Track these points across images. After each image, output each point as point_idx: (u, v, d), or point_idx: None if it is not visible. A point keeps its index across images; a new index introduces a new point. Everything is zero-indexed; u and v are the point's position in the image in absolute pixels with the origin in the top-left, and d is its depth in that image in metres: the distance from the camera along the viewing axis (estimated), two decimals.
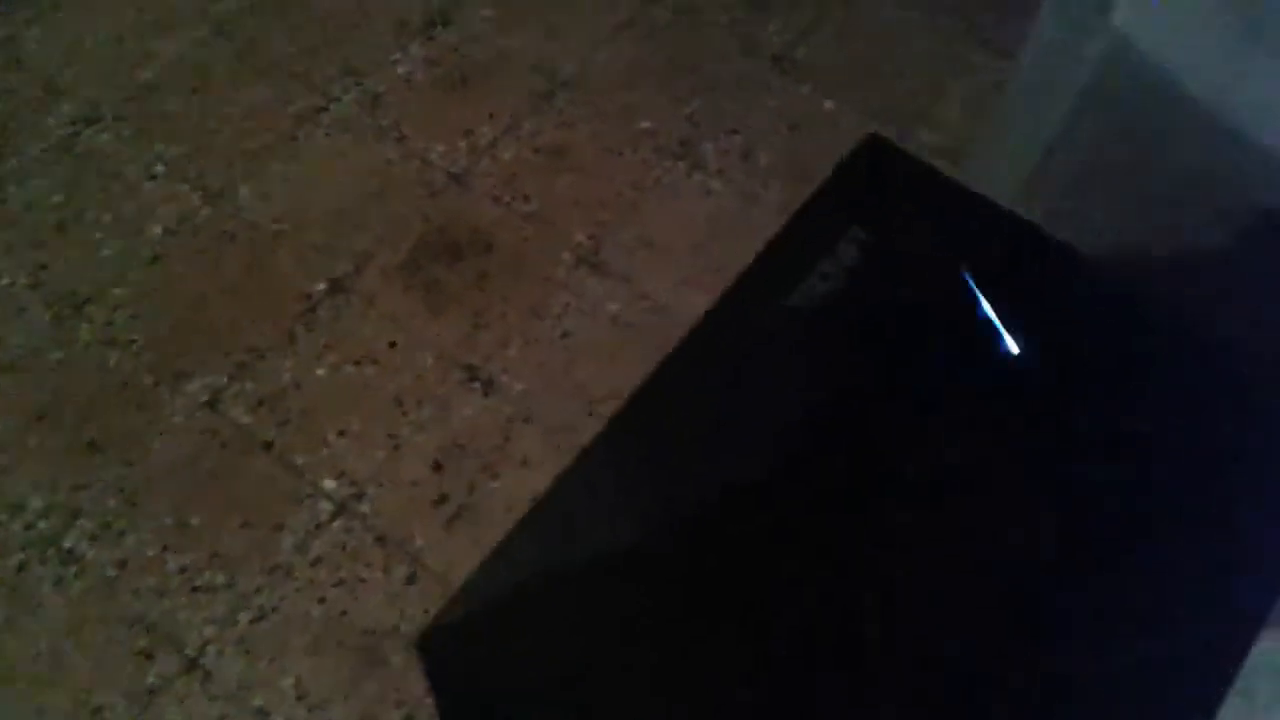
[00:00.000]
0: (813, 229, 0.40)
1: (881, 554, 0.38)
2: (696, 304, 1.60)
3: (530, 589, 0.45)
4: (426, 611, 1.40)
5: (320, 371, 1.57)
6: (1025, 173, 1.40)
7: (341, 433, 1.52)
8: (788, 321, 0.39)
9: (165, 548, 1.43)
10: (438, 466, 1.51)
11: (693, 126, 1.79)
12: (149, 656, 1.36)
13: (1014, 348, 0.38)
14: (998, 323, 0.38)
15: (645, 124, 1.79)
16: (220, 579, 1.41)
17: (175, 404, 1.53)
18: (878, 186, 0.42)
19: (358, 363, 1.58)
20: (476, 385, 1.56)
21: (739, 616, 0.38)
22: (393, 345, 1.59)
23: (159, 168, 1.74)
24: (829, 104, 1.82)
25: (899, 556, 0.39)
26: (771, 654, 0.38)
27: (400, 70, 1.85)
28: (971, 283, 0.39)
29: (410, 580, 1.43)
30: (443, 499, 1.49)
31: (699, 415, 0.42)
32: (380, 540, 1.45)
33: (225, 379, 1.55)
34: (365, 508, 1.47)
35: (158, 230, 1.68)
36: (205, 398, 1.54)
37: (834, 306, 0.39)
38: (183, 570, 1.41)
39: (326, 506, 1.47)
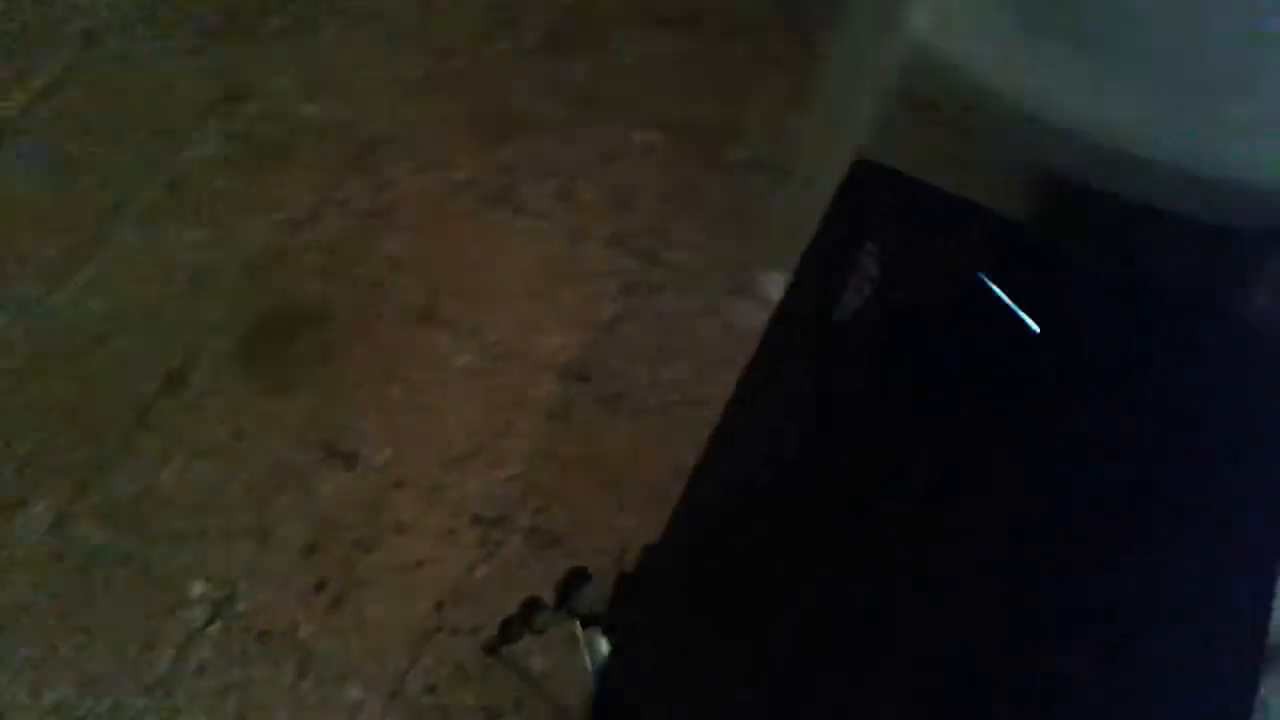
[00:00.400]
0: (832, 251, 0.42)
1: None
2: (544, 345, 1.63)
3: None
4: (325, 701, 1.36)
5: (167, 474, 1.50)
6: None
7: (202, 533, 1.46)
8: (838, 334, 0.41)
9: (35, 684, 1.33)
10: (310, 550, 1.47)
11: (509, 172, 1.80)
12: None
13: (1037, 335, 0.40)
14: (1022, 315, 0.41)
15: (462, 175, 1.79)
16: (100, 707, 1.33)
17: (17, 534, 1.43)
18: (879, 204, 0.44)
19: (206, 457, 1.52)
20: (337, 460, 1.53)
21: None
22: (240, 434, 1.54)
23: None
24: (639, 135, 1.86)
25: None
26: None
27: (202, 150, 1.79)
28: (989, 283, 0.41)
29: (302, 673, 1.38)
30: (321, 583, 1.44)
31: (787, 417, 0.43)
32: (263, 637, 1.40)
33: (67, 498, 1.47)
34: (241, 606, 1.42)
35: None
36: (50, 521, 1.45)
37: (872, 317, 0.41)
38: (58, 707, 1.32)
39: (199, 613, 1.41)
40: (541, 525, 1.51)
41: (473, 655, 1.41)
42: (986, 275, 0.41)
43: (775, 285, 1.67)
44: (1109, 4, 1.29)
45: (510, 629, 1.34)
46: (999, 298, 0.41)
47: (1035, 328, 0.41)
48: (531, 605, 1.34)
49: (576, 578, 0.85)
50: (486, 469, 1.54)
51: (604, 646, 0.81)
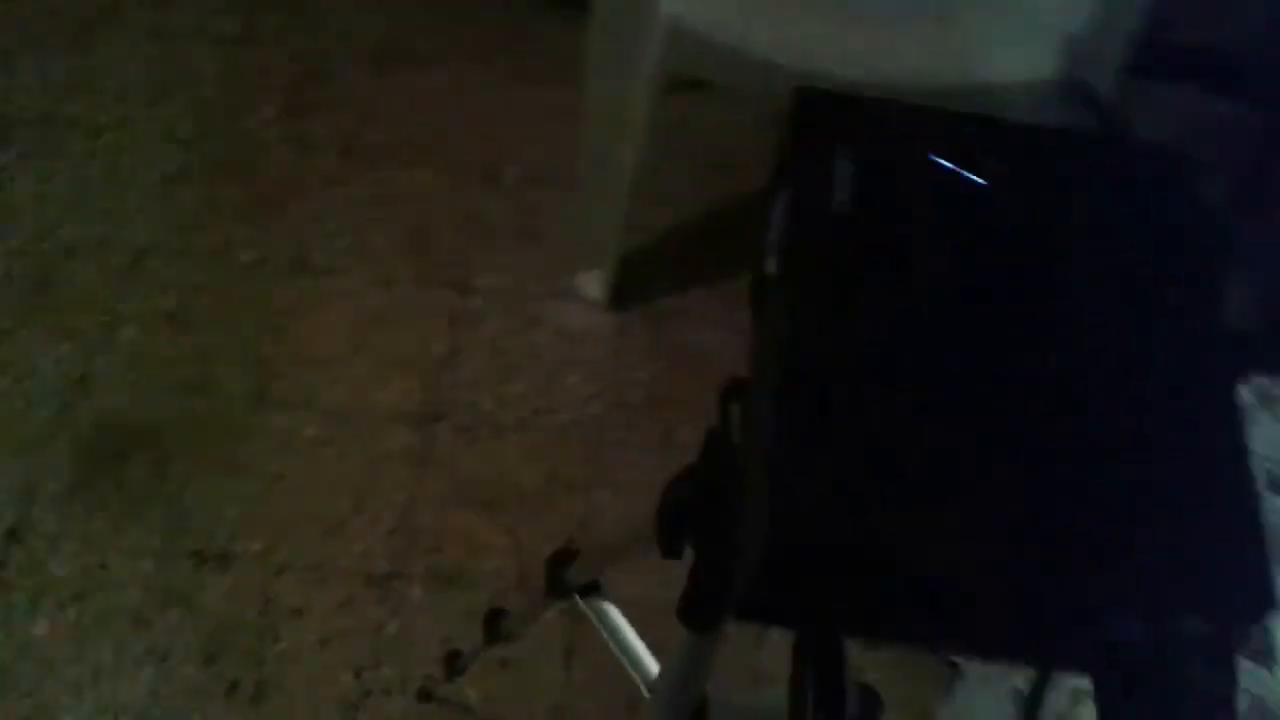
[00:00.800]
0: (811, 164, 0.47)
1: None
2: (385, 397, 1.63)
3: None
4: None
5: (40, 628, 1.43)
6: (630, 173, 1.55)
7: (96, 674, 1.39)
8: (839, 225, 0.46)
9: None
10: (211, 659, 1.43)
11: (297, 240, 1.79)
12: None
13: (989, 188, 0.48)
14: (972, 177, 0.48)
15: (249, 256, 1.77)
16: None
17: None
18: (832, 118, 0.50)
19: (77, 600, 1.45)
20: (212, 565, 1.49)
21: None
22: (104, 568, 1.48)
23: None
24: (411, 175, 1.88)
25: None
26: None
27: None
28: (939, 160, 0.48)
29: None
30: (234, 685, 1.41)
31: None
32: None
33: None
34: None
35: None
36: None
37: (865, 207, 0.47)
38: None
39: None
40: (435, 567, 1.52)
41: (409, 708, 1.41)
42: (936, 155, 0.49)
43: (593, 282, 1.75)
44: None
45: (447, 667, 1.35)
46: (950, 169, 0.49)
47: (983, 182, 0.49)
48: (454, 655, 1.36)
49: (565, 555, 0.89)
50: (365, 530, 1.54)
51: (614, 613, 0.85)
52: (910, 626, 0.45)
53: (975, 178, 0.49)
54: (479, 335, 1.72)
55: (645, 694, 0.79)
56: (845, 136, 0.51)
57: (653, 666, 0.81)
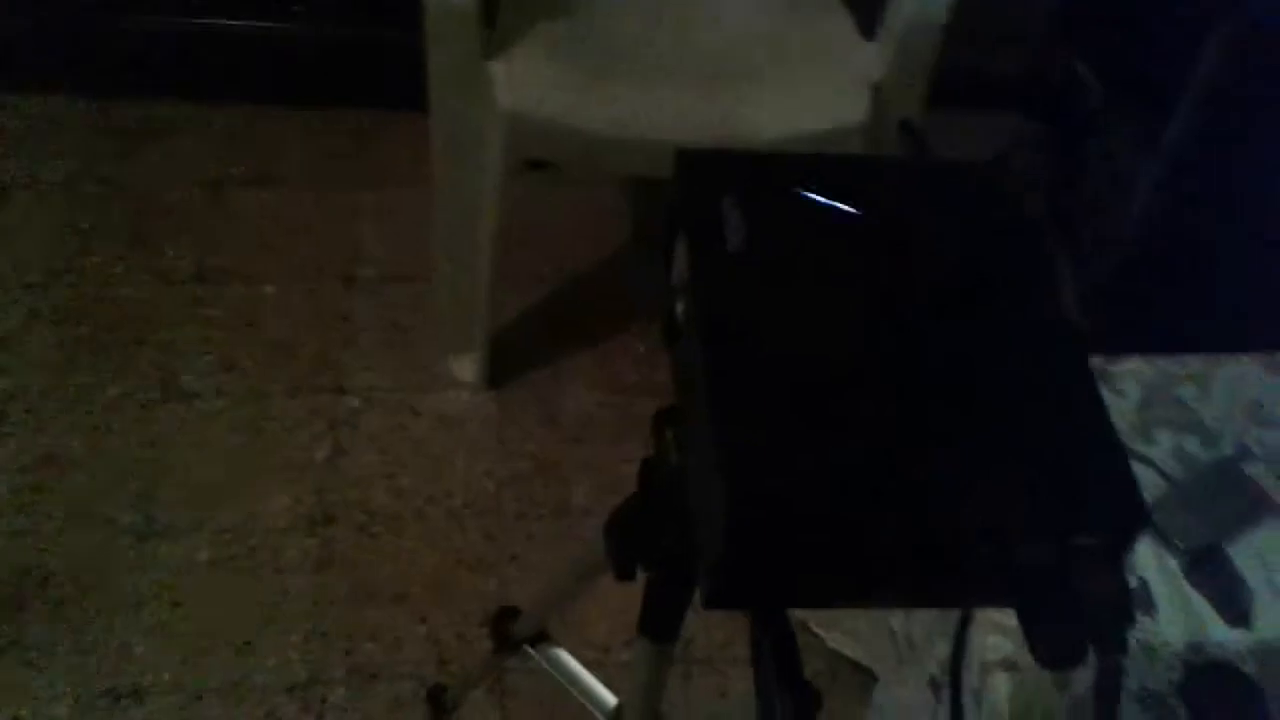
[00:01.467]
0: (696, 217, 0.54)
1: None
2: (274, 508, 1.64)
3: None
4: None
5: None
6: (487, 257, 1.62)
7: None
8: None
9: None
10: None
11: (162, 367, 1.79)
12: None
13: (861, 217, 0.56)
14: (842, 208, 0.56)
15: (114, 391, 1.76)
16: None
17: None
18: (713, 172, 0.58)
19: None
20: (127, 702, 1.47)
21: None
22: (17, 718, 1.44)
23: None
24: (269, 288, 1.91)
25: None
26: None
27: None
28: (810, 195, 0.56)
29: None
30: None
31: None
32: None
33: None
34: None
35: None
36: None
37: (756, 246, 0.55)
38: None
39: None
40: (355, 667, 1.53)
41: None
42: (807, 192, 0.57)
43: (466, 366, 1.80)
44: (637, 42, 1.56)
45: None
46: (821, 202, 0.57)
47: (855, 211, 0.57)
48: None
49: (508, 612, 0.93)
50: (277, 641, 1.54)
51: (565, 656, 0.90)
52: (856, 589, 0.53)
53: (845, 207, 0.58)
54: (360, 434, 1.74)
55: None
56: (726, 186, 0.59)
57: (609, 698, 0.86)
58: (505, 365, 1.82)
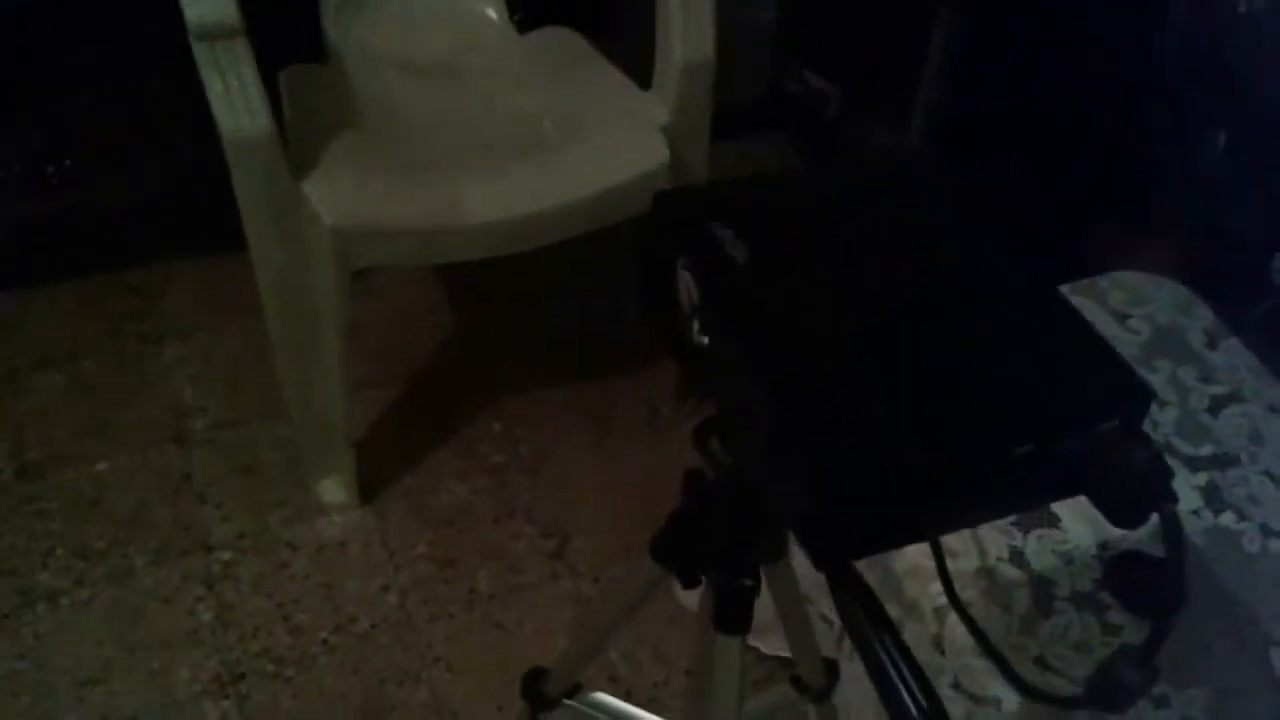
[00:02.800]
0: (691, 244, 0.61)
1: None
2: (179, 683, 1.57)
3: None
4: None
5: None
6: (336, 376, 1.62)
7: None
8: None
9: None
10: None
11: (12, 572, 1.68)
12: None
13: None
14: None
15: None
16: None
17: None
18: (695, 203, 0.65)
19: None
20: None
21: None
22: None
23: None
24: (101, 465, 1.82)
25: None
26: None
27: None
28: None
29: None
30: None
31: None
32: None
33: None
34: None
35: None
36: None
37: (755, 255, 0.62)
38: None
39: None
40: None
41: None
42: (777, 207, 0.65)
43: (333, 489, 1.77)
44: (429, 138, 1.61)
45: None
46: (799, 209, 0.66)
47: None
48: None
49: (537, 673, 0.94)
50: None
51: (607, 698, 0.92)
52: (943, 516, 0.61)
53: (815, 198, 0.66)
54: (242, 585, 1.69)
55: None
56: (707, 215, 0.66)
57: None
58: (372, 477, 1.81)
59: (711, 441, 0.68)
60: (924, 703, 0.62)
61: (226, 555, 1.73)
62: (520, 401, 1.97)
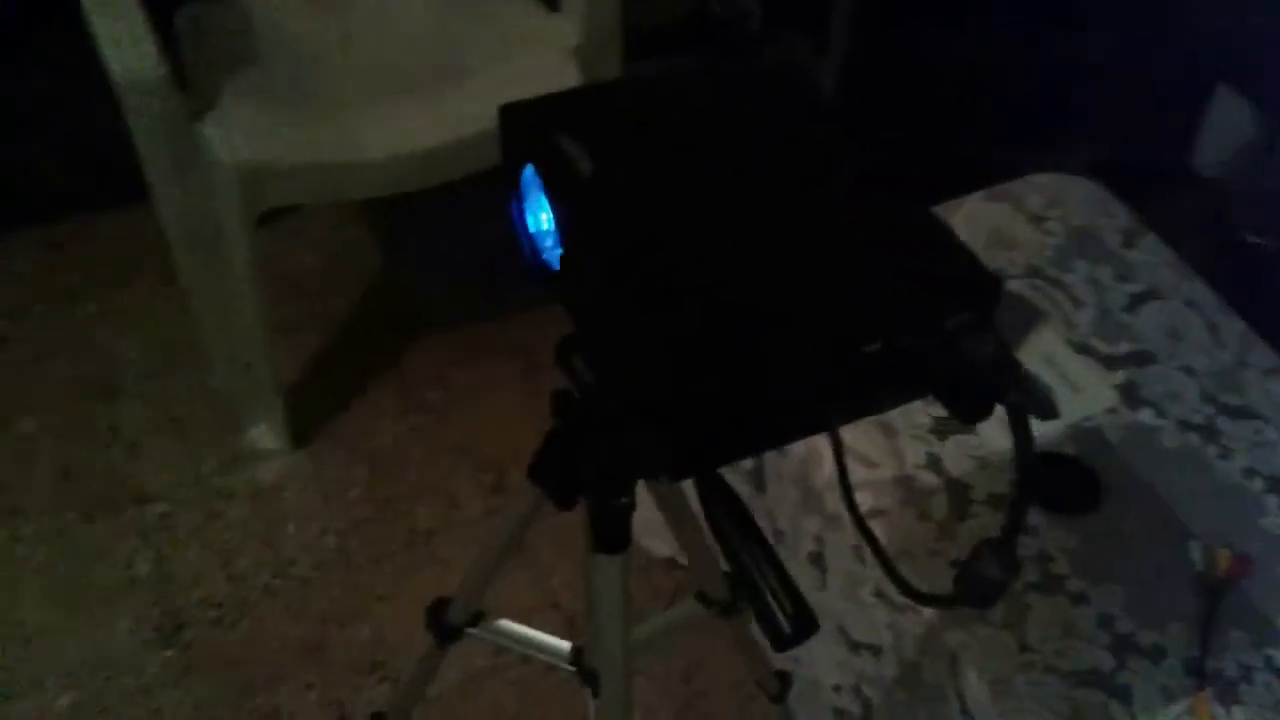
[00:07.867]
0: (541, 157, 0.59)
1: None
2: (120, 634, 1.57)
3: None
4: None
5: None
6: (253, 320, 1.60)
7: None
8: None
9: None
10: None
11: None
12: None
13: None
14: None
15: None
16: None
17: None
18: (540, 111, 0.63)
19: None
20: None
21: None
22: None
23: None
24: (24, 424, 1.80)
25: None
26: None
27: None
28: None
29: None
30: None
31: None
32: None
33: None
34: None
35: None
36: None
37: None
38: None
39: None
40: None
41: None
42: (629, 118, 0.64)
43: (265, 434, 1.76)
44: (331, 70, 1.57)
45: None
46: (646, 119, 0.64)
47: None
48: None
49: (440, 604, 0.94)
50: None
51: (509, 624, 0.92)
52: (795, 423, 0.60)
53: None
54: (179, 535, 1.68)
55: (569, 666, 0.87)
56: (556, 126, 0.64)
57: (564, 644, 0.89)
58: (304, 421, 1.80)
59: (574, 359, 0.67)
60: (790, 608, 0.62)
61: (161, 507, 1.71)
62: (448, 338, 1.95)
